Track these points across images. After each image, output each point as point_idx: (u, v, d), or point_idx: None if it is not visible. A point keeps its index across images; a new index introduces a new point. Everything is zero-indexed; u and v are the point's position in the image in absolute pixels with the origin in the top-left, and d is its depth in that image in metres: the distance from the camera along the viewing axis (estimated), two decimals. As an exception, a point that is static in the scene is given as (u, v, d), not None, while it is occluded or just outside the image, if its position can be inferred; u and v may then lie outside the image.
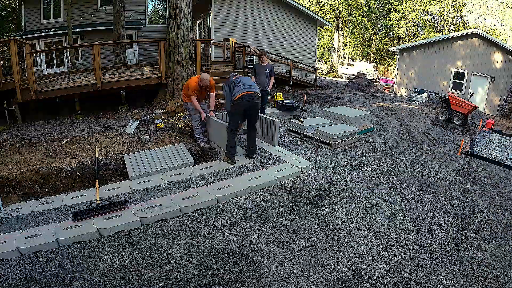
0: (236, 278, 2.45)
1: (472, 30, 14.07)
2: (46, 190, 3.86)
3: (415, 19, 27.27)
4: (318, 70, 17.75)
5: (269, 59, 9.77)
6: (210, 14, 11.76)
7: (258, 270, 2.55)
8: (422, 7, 26.71)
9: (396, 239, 3.09)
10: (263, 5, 12.88)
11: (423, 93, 14.65)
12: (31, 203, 3.57)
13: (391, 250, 2.92)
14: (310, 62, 14.90)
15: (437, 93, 14.35)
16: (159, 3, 15.19)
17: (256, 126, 4.75)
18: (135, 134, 5.37)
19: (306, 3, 26.29)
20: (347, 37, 31.14)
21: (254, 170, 4.33)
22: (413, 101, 13.96)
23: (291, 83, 13.26)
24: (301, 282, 2.46)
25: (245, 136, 5.72)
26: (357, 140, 6.05)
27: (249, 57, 9.96)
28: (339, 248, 2.88)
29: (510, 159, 5.87)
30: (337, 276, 2.55)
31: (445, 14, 26.90)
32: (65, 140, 4.92)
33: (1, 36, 13.59)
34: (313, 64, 15.10)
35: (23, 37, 11.13)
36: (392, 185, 4.29)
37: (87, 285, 2.34)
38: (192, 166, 4.48)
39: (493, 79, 13.47)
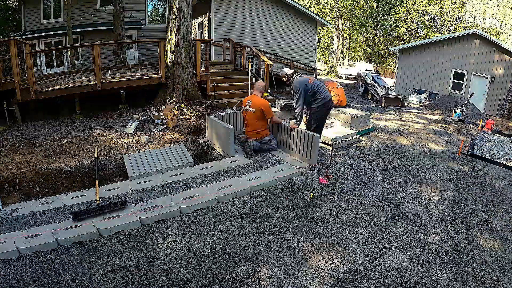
0: (235, 278, 2.45)
1: (472, 31, 14.07)
2: (46, 190, 3.86)
3: (415, 19, 27.28)
4: (318, 71, 17.75)
5: (269, 59, 9.78)
6: (210, 14, 11.77)
7: (258, 270, 2.55)
8: (422, 8, 26.72)
9: (396, 239, 3.09)
10: (262, 5, 12.88)
11: (423, 93, 14.66)
12: (30, 203, 3.57)
13: (391, 250, 2.92)
14: (310, 62, 14.91)
15: (437, 93, 14.38)
16: (159, 3, 15.20)
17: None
18: (135, 134, 5.37)
19: (306, 3, 26.28)
20: (347, 38, 31.15)
21: (254, 170, 4.34)
22: (413, 101, 13.97)
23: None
24: (301, 283, 2.46)
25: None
26: (357, 140, 6.05)
27: (249, 57, 9.95)
28: (339, 248, 2.88)
29: (510, 159, 5.88)
30: (337, 276, 2.55)
31: (445, 14, 26.92)
32: (65, 140, 4.92)
33: (1, 36, 13.57)
34: (313, 64, 15.11)
35: (23, 37, 11.13)
36: (392, 185, 4.29)
37: (86, 285, 2.34)
38: (192, 166, 4.48)
39: (493, 79, 13.47)
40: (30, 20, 12.47)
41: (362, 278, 2.55)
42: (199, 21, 13.47)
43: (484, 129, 8.56)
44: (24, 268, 2.51)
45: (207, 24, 12.17)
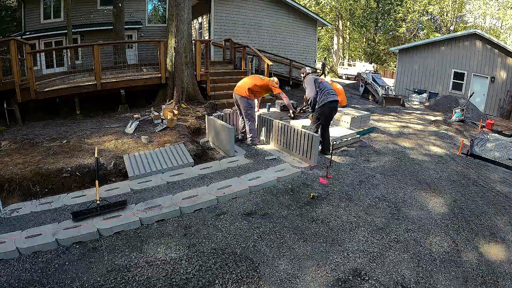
0: (235, 278, 2.45)
1: (472, 31, 14.07)
2: (46, 190, 3.86)
3: (415, 19, 27.28)
4: (318, 70, 17.74)
5: (269, 59, 9.78)
6: (210, 14, 11.77)
7: (257, 270, 2.55)
8: (422, 8, 26.73)
9: (396, 239, 3.09)
10: (262, 5, 12.88)
11: (422, 93, 14.67)
12: (30, 203, 3.57)
13: (391, 250, 2.92)
14: (310, 62, 14.91)
15: (437, 93, 14.38)
16: (159, 3, 15.20)
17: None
18: (135, 134, 5.37)
19: (306, 3, 26.29)
20: (347, 38, 31.15)
21: (254, 170, 4.34)
22: (413, 101, 13.98)
23: (291, 83, 13.26)
24: (301, 282, 2.46)
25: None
26: (357, 140, 6.05)
27: (249, 57, 9.96)
28: (339, 248, 2.88)
29: (510, 159, 5.88)
30: (337, 276, 2.55)
31: (445, 14, 26.92)
32: (65, 140, 4.92)
33: (1, 36, 13.57)
34: (313, 64, 15.11)
35: (23, 37, 11.15)
36: (392, 185, 4.29)
37: (86, 285, 2.34)
38: (192, 166, 4.48)
39: (493, 79, 13.47)
40: (30, 20, 12.47)
41: (362, 278, 2.55)
42: (199, 21, 13.46)
43: (484, 129, 8.56)
44: (24, 268, 2.51)
45: (207, 24, 12.17)
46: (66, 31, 11.25)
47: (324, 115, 4.96)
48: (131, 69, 8.93)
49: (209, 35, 11.97)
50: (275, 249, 2.82)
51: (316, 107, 4.99)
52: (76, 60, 11.89)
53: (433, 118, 9.41)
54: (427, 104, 13.07)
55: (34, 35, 11.98)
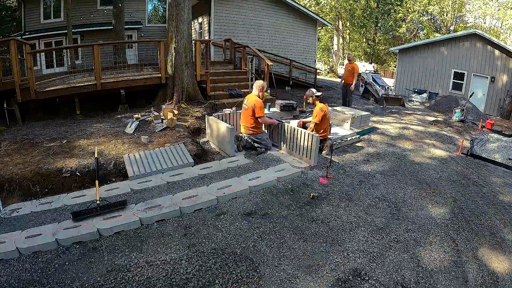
0: (236, 278, 2.45)
1: (472, 31, 14.08)
2: (46, 190, 3.86)
3: (415, 19, 27.28)
4: (318, 71, 17.75)
5: (269, 59, 9.77)
6: (210, 14, 11.77)
7: (258, 270, 2.55)
8: (422, 8, 26.72)
9: (396, 239, 3.09)
10: (262, 5, 12.89)
11: (423, 93, 14.66)
12: (30, 203, 3.57)
13: (391, 250, 2.92)
14: (310, 62, 14.91)
15: (437, 93, 14.38)
16: (159, 3, 15.22)
17: None
18: (135, 134, 5.37)
19: (306, 3, 26.29)
20: (347, 38, 31.14)
21: (254, 170, 4.34)
22: (413, 101, 13.97)
23: (291, 83, 13.27)
24: (301, 282, 2.46)
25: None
26: (357, 140, 6.05)
27: (249, 57, 9.96)
28: (339, 248, 2.88)
29: (510, 159, 5.87)
30: (337, 276, 2.55)
31: (445, 14, 26.92)
32: (65, 140, 4.92)
33: (1, 36, 13.57)
34: (313, 64, 15.11)
35: (23, 37, 11.15)
36: (392, 185, 4.29)
37: (86, 285, 2.34)
38: (192, 166, 4.48)
39: (493, 79, 13.48)
40: (30, 20, 12.47)
41: (362, 278, 2.55)
42: (199, 21, 13.46)
43: (484, 129, 8.55)
44: (24, 268, 2.51)
45: (207, 24, 12.17)
46: (66, 31, 11.25)
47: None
48: (131, 69, 8.92)
49: (209, 35, 11.97)
50: (275, 249, 2.82)
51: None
52: (76, 60, 11.89)
53: (433, 118, 9.40)
54: (427, 104, 13.07)
55: (34, 35, 11.98)
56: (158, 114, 6.18)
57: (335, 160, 4.96)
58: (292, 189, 3.90)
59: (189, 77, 7.64)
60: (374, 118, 8.25)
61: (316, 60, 16.97)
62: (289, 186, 3.98)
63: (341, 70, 27.28)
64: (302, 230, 3.11)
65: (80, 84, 6.81)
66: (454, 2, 26.02)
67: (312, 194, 3.75)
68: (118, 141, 5.01)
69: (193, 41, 8.12)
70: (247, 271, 2.53)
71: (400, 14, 27.66)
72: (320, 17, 15.79)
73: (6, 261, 2.57)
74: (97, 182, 3.65)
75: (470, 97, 10.18)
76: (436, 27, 28.41)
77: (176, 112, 6.14)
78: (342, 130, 6.09)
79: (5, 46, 8.90)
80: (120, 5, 11.03)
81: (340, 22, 29.15)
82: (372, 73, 15.48)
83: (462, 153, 5.93)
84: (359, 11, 28.18)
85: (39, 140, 4.87)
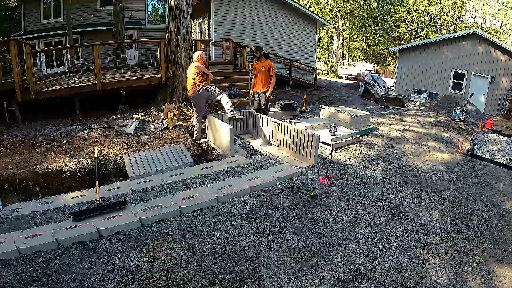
0: (236, 278, 2.45)
1: (472, 31, 14.07)
2: (46, 190, 3.86)
3: (415, 19, 27.29)
4: (318, 71, 17.75)
5: (269, 59, 9.76)
6: (210, 14, 11.77)
7: (258, 270, 2.55)
8: (422, 8, 26.73)
9: (396, 239, 3.09)
10: (263, 5, 12.89)
11: (423, 93, 14.66)
12: (30, 203, 3.57)
13: (391, 250, 2.92)
14: (310, 62, 14.91)
15: (437, 93, 14.38)
16: (159, 3, 15.21)
17: None
18: (135, 134, 5.37)
19: (306, 3, 26.29)
20: (347, 38, 31.15)
21: (254, 170, 4.33)
22: (413, 101, 13.97)
23: (291, 83, 13.27)
24: (301, 282, 2.46)
25: (245, 136, 5.73)
26: (357, 140, 6.05)
27: (249, 57, 9.95)
28: (339, 248, 2.88)
29: (510, 159, 5.87)
30: (337, 276, 2.55)
31: (445, 14, 26.93)
32: (65, 140, 4.92)
33: (1, 36, 13.58)
34: (313, 64, 15.11)
35: (23, 37, 11.14)
36: (392, 185, 4.29)
37: (86, 285, 2.34)
38: (192, 166, 4.48)
39: (493, 79, 13.47)
40: (30, 20, 12.47)
41: (362, 278, 2.55)
42: (199, 21, 13.47)
43: (484, 129, 8.55)
44: (24, 268, 2.51)
45: (207, 24, 12.18)
46: (66, 31, 11.25)
47: None
48: (131, 69, 8.92)
49: (209, 35, 11.97)
50: (275, 249, 2.82)
51: None
52: (76, 60, 11.89)
53: (433, 119, 9.40)
54: (427, 104, 13.07)
55: (34, 35, 11.97)
56: (158, 114, 6.18)
57: (335, 160, 4.96)
58: (292, 189, 3.90)
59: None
60: (374, 119, 8.25)
61: (316, 60, 16.97)
62: (289, 186, 3.98)
63: (341, 70, 27.31)
64: (302, 230, 3.11)
65: (80, 84, 6.81)
66: (454, 2, 26.02)
67: (312, 194, 3.75)
68: (118, 141, 5.01)
69: (193, 41, 8.12)
70: (247, 271, 2.53)
71: (400, 14, 27.68)
72: (320, 17, 15.80)
73: (6, 261, 2.57)
74: (97, 182, 3.65)
75: (470, 97, 10.18)
76: (436, 27, 28.43)
77: (176, 112, 6.15)
78: (342, 130, 6.09)
79: (5, 46, 8.90)
80: (120, 5, 11.02)
81: (340, 22, 29.15)
82: (372, 73, 15.48)
83: (462, 153, 5.93)
84: (359, 11, 28.19)
85: (39, 140, 4.87)
